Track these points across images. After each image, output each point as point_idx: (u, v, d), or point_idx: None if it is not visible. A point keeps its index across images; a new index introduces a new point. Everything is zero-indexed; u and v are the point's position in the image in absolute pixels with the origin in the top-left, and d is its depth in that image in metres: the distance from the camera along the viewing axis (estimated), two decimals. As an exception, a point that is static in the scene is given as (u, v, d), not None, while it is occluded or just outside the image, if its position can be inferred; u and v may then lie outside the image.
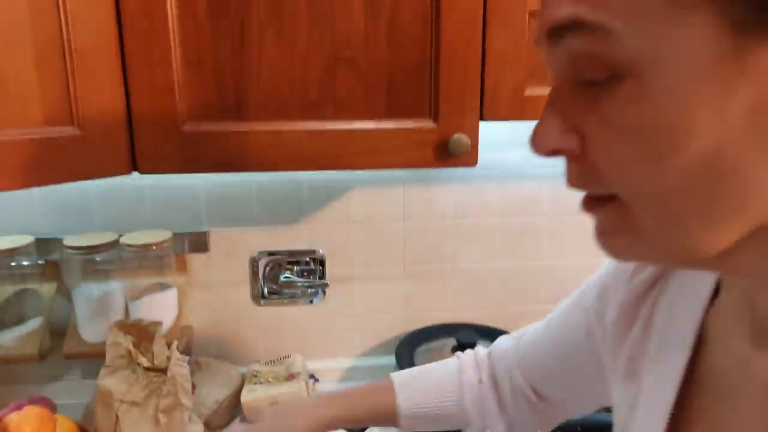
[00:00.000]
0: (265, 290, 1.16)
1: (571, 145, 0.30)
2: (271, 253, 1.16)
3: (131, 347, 0.87)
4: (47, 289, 1.07)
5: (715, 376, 0.37)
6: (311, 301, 1.19)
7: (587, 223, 0.33)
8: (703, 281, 0.40)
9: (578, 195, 0.33)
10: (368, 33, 0.75)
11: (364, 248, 1.17)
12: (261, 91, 0.75)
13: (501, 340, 0.68)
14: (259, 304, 1.18)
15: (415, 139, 0.77)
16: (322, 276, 1.18)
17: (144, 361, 0.85)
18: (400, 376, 0.66)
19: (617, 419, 0.46)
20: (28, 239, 1.03)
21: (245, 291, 1.17)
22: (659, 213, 0.29)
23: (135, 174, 0.76)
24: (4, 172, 0.63)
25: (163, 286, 1.09)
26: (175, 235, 1.09)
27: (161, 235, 1.06)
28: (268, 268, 1.16)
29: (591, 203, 0.32)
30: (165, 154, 0.75)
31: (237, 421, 0.87)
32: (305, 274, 1.17)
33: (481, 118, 0.78)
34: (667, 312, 0.42)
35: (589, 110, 0.29)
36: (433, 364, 0.69)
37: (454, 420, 0.64)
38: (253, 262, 1.16)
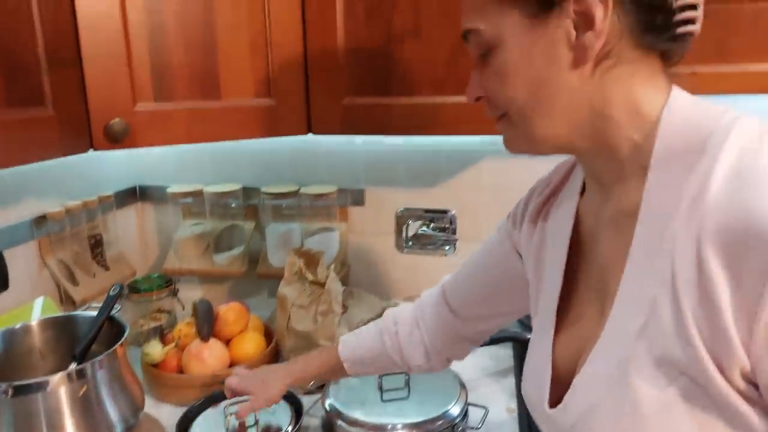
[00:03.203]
0: (406, 241, 1.40)
1: (480, 92, 0.54)
2: (412, 210, 1.39)
3: (302, 267, 1.16)
4: (248, 225, 1.44)
5: (586, 230, 0.58)
6: (444, 254, 1.40)
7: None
8: (575, 187, 0.60)
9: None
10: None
11: (491, 211, 1.35)
12: (402, 73, 0.98)
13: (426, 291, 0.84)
14: (401, 251, 1.42)
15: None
16: (454, 232, 1.38)
17: (310, 277, 1.14)
18: (344, 337, 0.87)
19: (532, 304, 0.64)
20: (236, 186, 1.39)
21: (391, 240, 1.42)
22: (520, 115, 0.51)
23: (312, 140, 1.03)
24: (231, 127, 0.95)
25: (329, 229, 1.39)
26: (339, 190, 1.38)
27: (329, 189, 1.36)
28: (409, 223, 1.40)
29: (497, 122, 0.55)
30: (331, 120, 1.02)
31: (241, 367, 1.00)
32: (440, 229, 1.39)
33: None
34: (554, 214, 0.62)
35: (484, 70, 0.52)
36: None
37: (383, 360, 0.82)
38: (398, 217, 1.40)
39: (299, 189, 1.37)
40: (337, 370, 0.85)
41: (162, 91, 0.93)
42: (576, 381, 0.51)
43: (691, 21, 0.47)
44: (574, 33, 0.47)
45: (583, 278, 0.57)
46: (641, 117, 0.49)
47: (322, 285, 1.14)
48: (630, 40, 0.47)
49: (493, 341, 1.13)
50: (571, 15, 0.46)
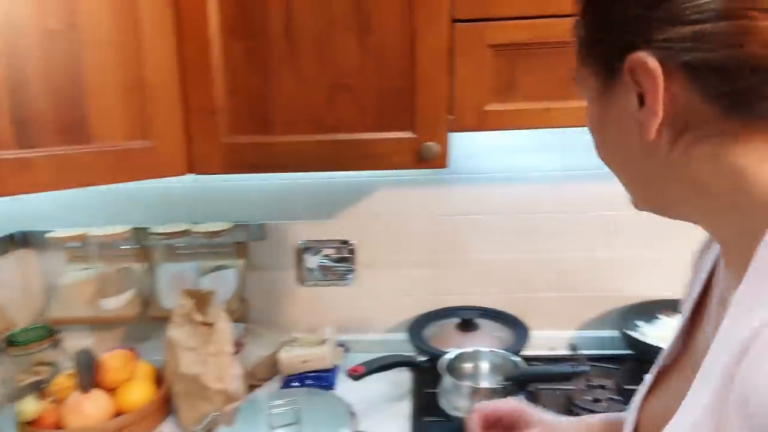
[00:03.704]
0: (308, 273, 1.41)
1: None
2: (312, 242, 1.40)
3: (191, 308, 1.14)
4: (139, 267, 1.39)
5: (714, 290, 0.52)
6: (345, 284, 1.41)
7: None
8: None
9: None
10: (361, 65, 0.96)
11: (387, 240, 1.38)
12: (282, 111, 0.99)
13: None
14: (302, 284, 1.42)
15: (398, 147, 0.98)
16: (353, 262, 1.40)
17: (198, 318, 1.12)
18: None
19: None
20: (125, 228, 1.35)
21: (292, 273, 1.42)
22: (621, 177, 0.49)
23: (207, 176, 1.02)
24: (103, 172, 0.92)
25: (225, 267, 1.37)
26: (238, 225, 1.36)
27: (224, 225, 1.34)
28: (309, 255, 1.40)
29: None
30: (211, 160, 1.01)
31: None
32: (339, 260, 1.40)
33: (451, 130, 0.97)
34: (700, 265, 0.57)
35: None
36: None
37: None
38: (298, 250, 1.40)
39: (190, 227, 1.34)
40: None
41: (26, 138, 0.88)
42: None
43: None
44: (636, 105, 0.42)
45: (695, 345, 0.53)
46: (750, 198, 0.39)
47: (212, 325, 1.12)
48: (721, 109, 0.39)
49: (388, 366, 1.15)
50: (632, 86, 0.42)
